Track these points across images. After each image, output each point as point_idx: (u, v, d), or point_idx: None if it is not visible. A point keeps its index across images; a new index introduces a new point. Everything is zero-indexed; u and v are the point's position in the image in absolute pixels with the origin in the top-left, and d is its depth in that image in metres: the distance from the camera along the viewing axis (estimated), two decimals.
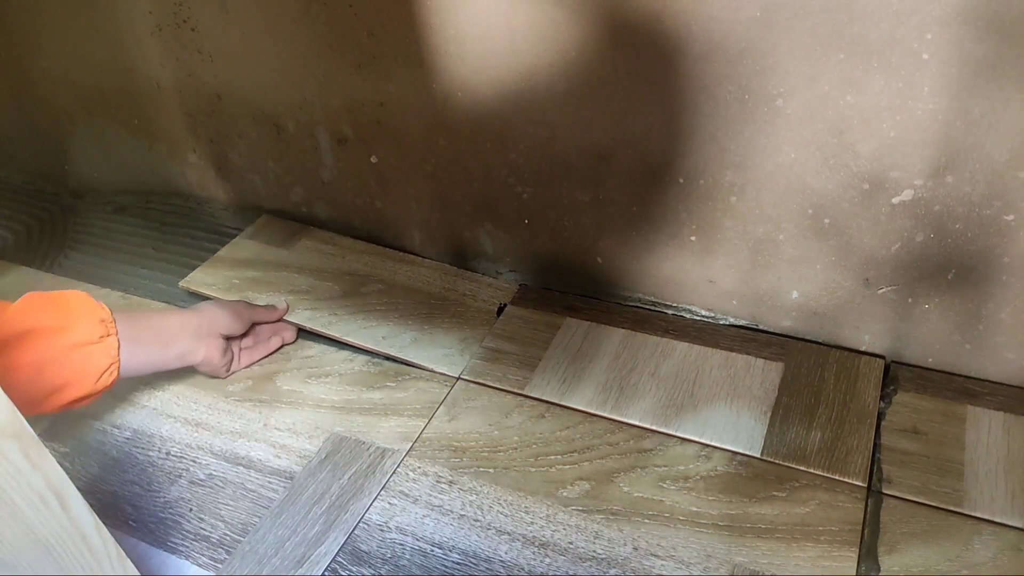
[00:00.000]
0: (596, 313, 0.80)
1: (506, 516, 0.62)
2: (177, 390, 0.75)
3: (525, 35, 0.67)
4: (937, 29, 0.54)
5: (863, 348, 0.73)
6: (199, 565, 0.61)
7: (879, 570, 0.56)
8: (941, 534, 0.57)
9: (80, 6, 0.89)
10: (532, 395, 0.72)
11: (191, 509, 0.65)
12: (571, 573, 0.57)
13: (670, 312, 0.79)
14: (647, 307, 0.80)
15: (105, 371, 0.63)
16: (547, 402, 0.71)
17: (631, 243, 0.77)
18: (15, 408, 0.35)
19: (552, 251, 0.82)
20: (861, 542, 0.57)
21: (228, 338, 0.75)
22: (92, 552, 0.40)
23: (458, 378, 0.74)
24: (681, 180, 0.70)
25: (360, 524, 0.62)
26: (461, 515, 0.62)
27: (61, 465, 0.37)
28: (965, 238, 0.62)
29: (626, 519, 0.60)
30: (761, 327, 0.76)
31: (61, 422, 0.73)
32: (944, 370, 0.70)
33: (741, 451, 0.65)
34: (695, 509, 0.61)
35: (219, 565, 0.60)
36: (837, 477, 0.62)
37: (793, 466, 0.63)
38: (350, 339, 0.79)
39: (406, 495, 0.64)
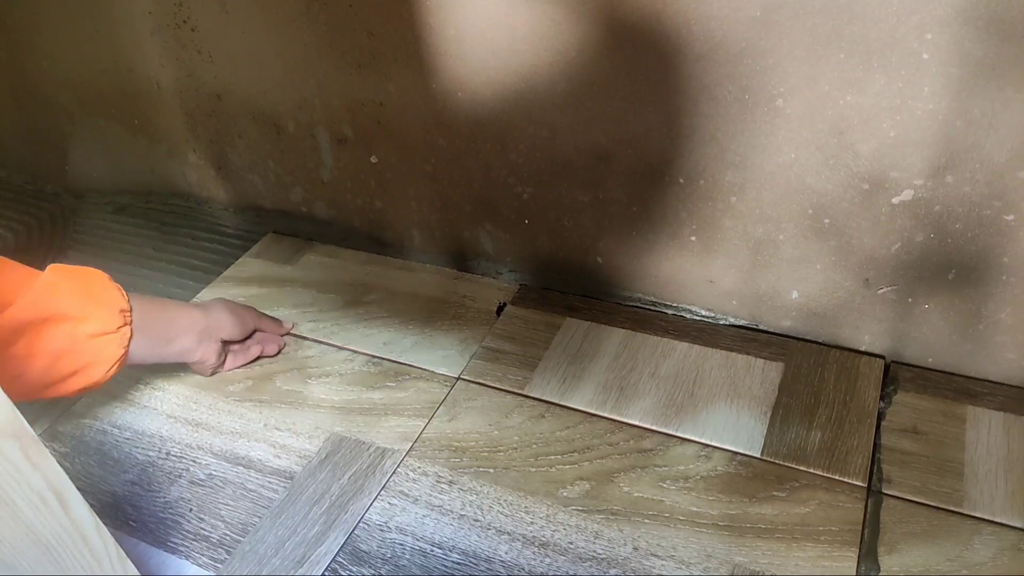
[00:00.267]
0: (596, 313, 0.80)
1: (506, 516, 0.62)
2: (177, 390, 0.76)
3: (525, 35, 0.67)
4: (937, 29, 0.54)
5: (863, 348, 0.73)
6: (199, 565, 0.60)
7: (879, 570, 0.56)
8: (941, 534, 0.57)
9: (80, 7, 0.89)
10: (532, 395, 0.72)
11: (191, 509, 0.65)
12: (571, 573, 0.57)
13: (670, 312, 0.79)
14: (647, 307, 0.80)
15: (116, 362, 0.63)
16: (547, 402, 0.71)
17: (631, 243, 0.77)
18: (15, 408, 0.35)
19: (552, 251, 0.82)
20: (861, 542, 0.57)
21: (226, 342, 0.75)
22: (92, 552, 0.40)
23: (458, 378, 0.74)
24: (681, 180, 0.70)
25: (360, 524, 0.62)
26: (461, 515, 0.62)
27: (61, 465, 0.37)
28: (965, 238, 0.62)
29: (626, 519, 0.60)
30: (761, 327, 0.76)
31: (61, 422, 0.73)
32: (944, 370, 0.70)
33: (741, 451, 0.65)
34: (695, 509, 0.61)
35: (219, 565, 0.60)
36: (837, 477, 0.62)
37: (793, 466, 0.63)
38: (351, 348, 0.79)
39: (406, 495, 0.64)
